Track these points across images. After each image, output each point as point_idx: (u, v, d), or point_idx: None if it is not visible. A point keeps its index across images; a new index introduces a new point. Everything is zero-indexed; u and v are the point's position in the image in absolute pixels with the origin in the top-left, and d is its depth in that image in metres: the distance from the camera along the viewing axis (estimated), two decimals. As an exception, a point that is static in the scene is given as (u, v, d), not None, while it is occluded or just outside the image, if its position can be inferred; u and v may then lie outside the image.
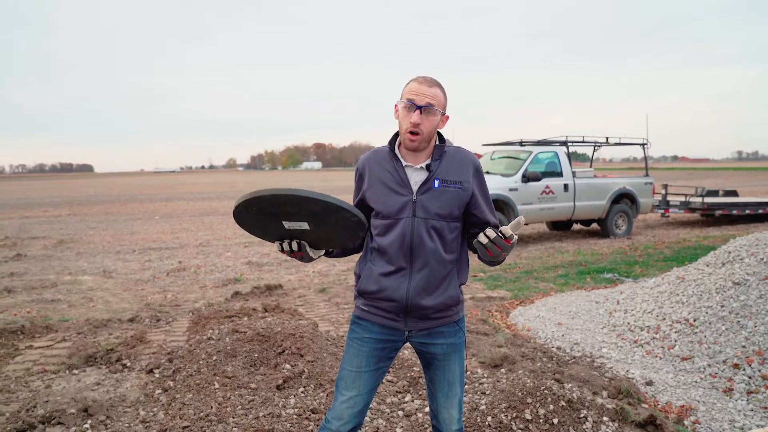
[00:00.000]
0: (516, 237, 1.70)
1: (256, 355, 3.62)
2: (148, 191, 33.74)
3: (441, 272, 1.90)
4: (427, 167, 1.89)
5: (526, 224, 10.62)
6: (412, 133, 1.84)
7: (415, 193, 1.87)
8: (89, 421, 3.06)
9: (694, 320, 4.24)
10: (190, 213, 17.71)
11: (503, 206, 9.46)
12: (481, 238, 1.72)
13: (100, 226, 13.99)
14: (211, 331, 4.03)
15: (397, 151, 1.93)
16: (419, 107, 1.81)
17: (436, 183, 1.87)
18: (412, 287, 1.87)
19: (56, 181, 63.02)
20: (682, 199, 12.74)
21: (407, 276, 1.88)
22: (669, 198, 12.82)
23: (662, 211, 12.66)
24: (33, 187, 44.84)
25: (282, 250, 1.83)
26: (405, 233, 1.87)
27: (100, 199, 25.95)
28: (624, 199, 10.97)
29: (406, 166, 1.90)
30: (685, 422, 3.06)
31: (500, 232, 1.69)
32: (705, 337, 4.01)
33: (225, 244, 10.57)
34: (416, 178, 1.89)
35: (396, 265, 1.88)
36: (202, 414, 3.05)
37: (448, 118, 1.93)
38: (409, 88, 1.86)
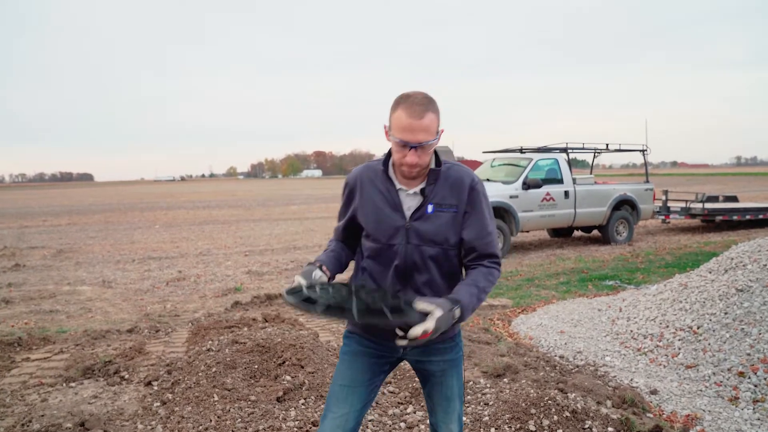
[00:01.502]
0: (431, 326, 1.52)
1: (256, 366, 3.57)
2: (148, 200, 33.73)
3: (436, 294, 1.80)
4: (422, 191, 1.79)
5: (527, 231, 10.59)
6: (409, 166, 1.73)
7: (408, 219, 1.78)
8: (86, 435, 3.01)
9: (698, 328, 4.20)
10: (190, 222, 17.68)
11: (504, 213, 9.45)
12: (399, 341, 1.56)
13: (100, 236, 13.95)
14: (210, 342, 3.99)
15: (391, 172, 1.82)
16: (413, 146, 1.68)
17: (430, 208, 1.77)
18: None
19: (56, 190, 63.10)
20: (683, 205, 12.73)
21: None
22: (669, 204, 12.80)
23: (663, 217, 12.64)
24: (32, 197, 44.84)
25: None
26: (397, 261, 1.78)
27: (99, 208, 25.92)
28: (625, 205, 10.96)
29: (399, 189, 1.80)
30: (691, 432, 3.02)
31: (408, 335, 1.53)
32: (709, 344, 3.97)
33: (225, 253, 10.54)
34: (410, 203, 1.79)
35: (389, 290, 1.80)
36: (201, 427, 3.01)
37: (443, 131, 1.80)
38: (399, 121, 1.68)
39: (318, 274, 1.73)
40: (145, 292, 7.03)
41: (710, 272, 5.07)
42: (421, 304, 1.56)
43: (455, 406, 1.92)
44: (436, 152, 1.82)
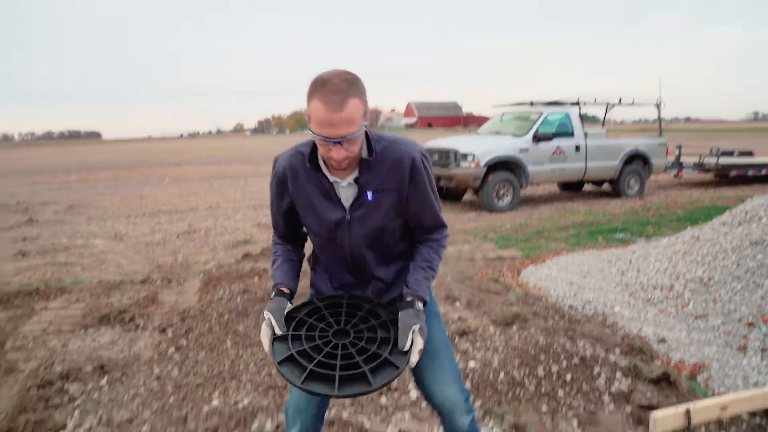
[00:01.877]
0: (421, 342, 1.55)
1: (268, 314, 3.63)
2: (156, 156, 33.74)
3: (392, 274, 1.75)
4: (356, 181, 1.62)
5: (536, 185, 10.53)
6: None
7: (347, 210, 1.64)
8: (105, 378, 3.10)
9: (709, 279, 4.20)
10: (198, 177, 17.71)
11: (514, 167, 9.40)
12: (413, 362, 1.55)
13: (110, 191, 14.03)
14: (222, 291, 4.05)
15: (321, 162, 1.63)
16: (336, 142, 1.48)
17: (369, 195, 1.62)
18: (366, 292, 1.76)
19: (65, 148, 63.23)
20: (696, 159, 12.53)
21: (358, 286, 1.76)
22: (683, 159, 12.61)
23: (675, 171, 12.47)
24: (42, 155, 44.99)
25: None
26: (344, 254, 1.70)
27: (108, 165, 25.98)
28: (636, 159, 10.82)
29: (333, 182, 1.64)
30: (698, 379, 3.05)
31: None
32: (720, 295, 3.98)
33: (234, 207, 10.59)
34: (346, 194, 1.64)
35: (344, 279, 1.76)
36: (215, 371, 3.08)
37: (372, 111, 1.65)
38: (317, 114, 1.45)
39: (289, 307, 1.66)
40: (156, 245, 7.10)
41: (723, 225, 5.03)
42: (404, 342, 1.53)
43: (442, 363, 1.72)
44: (367, 134, 1.61)
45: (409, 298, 1.63)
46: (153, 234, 7.90)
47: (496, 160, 9.18)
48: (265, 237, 7.43)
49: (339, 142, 1.47)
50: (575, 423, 2.57)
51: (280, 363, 1.47)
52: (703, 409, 2.56)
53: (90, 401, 2.88)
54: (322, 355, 1.48)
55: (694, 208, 9.19)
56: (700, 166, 12.35)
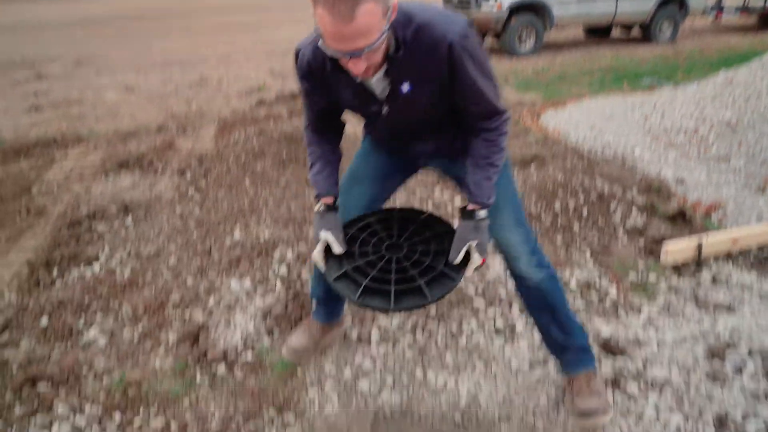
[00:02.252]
0: (479, 258, 1.46)
1: (284, 154, 3.63)
2: (161, 8, 32.05)
3: (446, 139, 1.63)
4: (386, 74, 1.41)
5: (561, 27, 9.87)
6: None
7: (384, 102, 1.47)
8: (130, 217, 3.21)
9: (737, 122, 4.04)
10: (207, 28, 16.91)
11: (538, 9, 8.76)
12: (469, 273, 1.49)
13: (116, 45, 13.55)
14: (237, 135, 4.02)
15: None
16: (352, 55, 1.25)
17: (405, 87, 1.42)
18: (419, 152, 1.68)
19: (63, 2, 60.22)
20: (739, 2, 11.45)
21: (410, 147, 1.67)
22: (724, 1, 11.53)
23: (714, 15, 11.50)
24: (36, 9, 42.95)
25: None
26: (389, 134, 1.63)
27: (111, 17, 24.83)
28: (672, 2, 9.94)
29: (362, 81, 1.43)
30: (713, 217, 3.06)
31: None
32: (746, 138, 3.86)
33: (246, 55, 10.24)
34: (380, 86, 1.44)
35: (398, 139, 1.66)
36: (235, 209, 3.16)
37: (396, 5, 1.28)
38: (324, 26, 1.20)
39: (340, 222, 1.59)
40: (169, 96, 6.99)
41: (762, 67, 4.72)
42: (455, 256, 1.46)
43: (502, 210, 1.62)
44: (392, 24, 1.32)
45: (470, 207, 1.50)
46: (165, 85, 7.74)
47: (519, 2, 8.55)
48: (278, 84, 7.26)
49: (357, 55, 1.24)
50: (588, 254, 2.63)
51: (334, 280, 1.49)
52: (715, 242, 2.59)
53: (117, 238, 3.01)
54: (376, 270, 1.48)
55: (731, 53, 8.62)
56: (743, 8, 11.34)
